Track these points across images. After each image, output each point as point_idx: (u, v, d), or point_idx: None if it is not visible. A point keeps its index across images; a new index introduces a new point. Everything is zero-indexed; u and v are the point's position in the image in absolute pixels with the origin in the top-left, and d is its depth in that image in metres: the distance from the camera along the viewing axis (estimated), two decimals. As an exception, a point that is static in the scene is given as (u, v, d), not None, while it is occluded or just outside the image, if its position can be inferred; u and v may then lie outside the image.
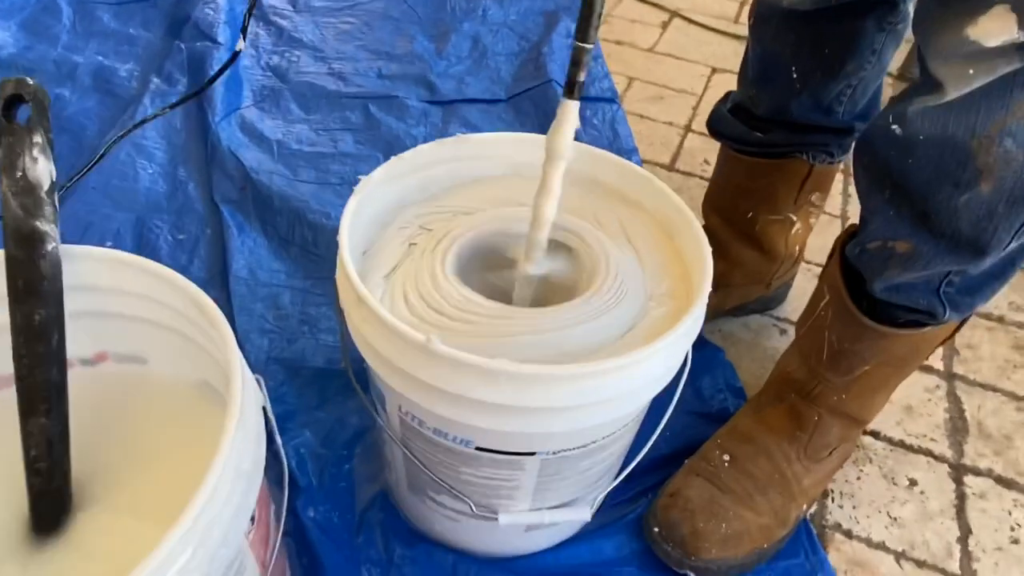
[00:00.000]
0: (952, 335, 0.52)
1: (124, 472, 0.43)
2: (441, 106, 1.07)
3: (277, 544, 0.43)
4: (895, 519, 0.61)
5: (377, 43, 1.20)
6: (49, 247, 0.39)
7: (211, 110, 0.96)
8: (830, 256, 0.54)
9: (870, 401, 0.56)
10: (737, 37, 1.34)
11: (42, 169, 0.38)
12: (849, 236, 0.52)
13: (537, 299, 0.47)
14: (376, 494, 0.58)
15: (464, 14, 1.29)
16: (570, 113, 0.40)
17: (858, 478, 0.64)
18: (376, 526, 0.56)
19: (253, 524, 0.39)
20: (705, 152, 1.03)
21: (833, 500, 0.62)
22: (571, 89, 0.39)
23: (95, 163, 0.85)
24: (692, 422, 0.66)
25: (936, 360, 0.76)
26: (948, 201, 0.43)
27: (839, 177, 1.02)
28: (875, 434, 0.68)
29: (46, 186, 0.38)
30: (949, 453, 0.67)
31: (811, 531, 0.59)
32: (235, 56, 0.80)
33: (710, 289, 0.42)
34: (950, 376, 0.74)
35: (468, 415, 0.40)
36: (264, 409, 0.41)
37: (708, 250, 0.44)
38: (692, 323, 0.41)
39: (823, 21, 0.56)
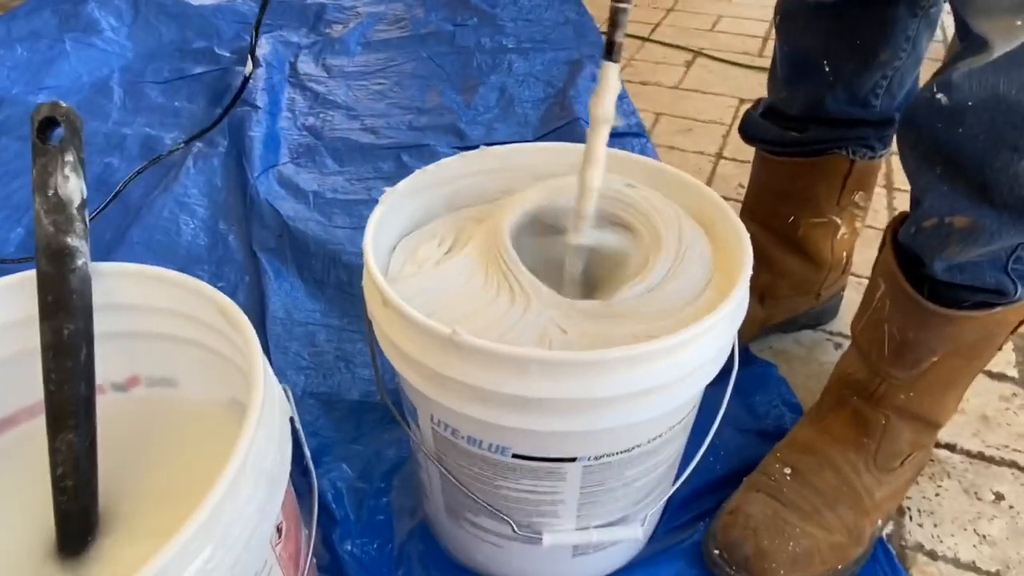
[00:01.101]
0: (1027, 318, 0.47)
1: (153, 497, 0.42)
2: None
3: (307, 566, 0.40)
4: (984, 536, 0.55)
5: (408, 100, 1.24)
6: (79, 262, 0.39)
7: (250, 168, 0.99)
8: (882, 245, 0.51)
9: (941, 399, 0.51)
10: (762, 69, 1.33)
11: (73, 187, 0.39)
12: (900, 221, 0.49)
13: (589, 272, 0.46)
14: (415, 526, 0.55)
15: (490, 69, 1.33)
16: (611, 76, 0.39)
17: (937, 494, 0.58)
18: (415, 559, 0.53)
19: (281, 537, 0.36)
20: (739, 176, 1.02)
21: (911, 518, 0.57)
22: (610, 50, 0.38)
23: (114, 196, 0.85)
24: (748, 441, 0.61)
25: (1010, 367, 0.70)
26: (1007, 168, 0.40)
27: (882, 192, 0.98)
28: (951, 447, 0.62)
29: (77, 203, 0.39)
30: (1037, 464, 0.61)
31: (890, 552, 0.53)
32: (246, 81, 0.83)
33: (751, 272, 0.39)
34: (1028, 383, 0.69)
35: (501, 414, 0.37)
36: (292, 420, 0.40)
37: (746, 234, 0.42)
38: (736, 304, 0.38)
39: (852, 10, 0.54)
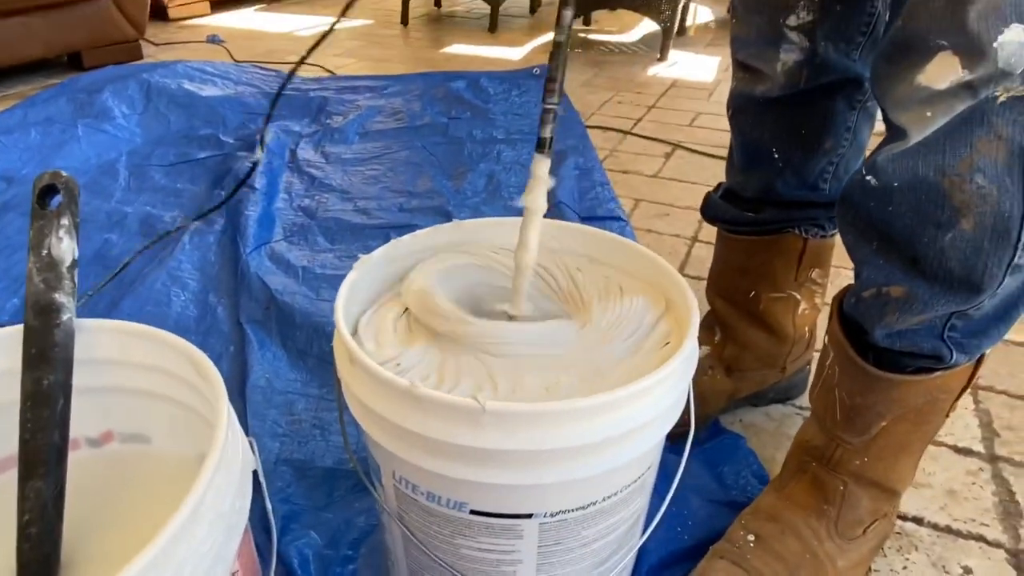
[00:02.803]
0: (968, 384, 0.49)
1: (119, 553, 0.42)
2: (457, 232, 1.12)
3: (264, 623, 0.40)
4: (953, 611, 0.55)
5: (400, 184, 1.29)
6: (64, 317, 0.41)
7: (243, 244, 1.03)
8: (830, 315, 0.54)
9: (895, 464, 0.52)
10: (738, 161, 1.41)
11: (65, 248, 0.42)
12: (846, 292, 0.52)
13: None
14: (380, 594, 0.55)
15: (480, 157, 1.40)
16: (542, 170, 0.43)
17: (904, 568, 0.58)
18: (379, 627, 0.52)
19: (235, 587, 0.37)
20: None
21: (880, 592, 0.56)
22: (541, 145, 0.42)
23: (116, 275, 0.88)
24: (716, 511, 0.62)
25: (976, 442, 0.71)
26: (933, 243, 0.44)
27: (848, 273, 1.02)
28: (918, 520, 0.63)
29: (67, 263, 0.42)
30: (1004, 538, 0.61)
31: (858, 625, 0.53)
32: (254, 167, 0.89)
33: (698, 324, 0.42)
34: (993, 458, 0.69)
35: (456, 467, 0.38)
36: (255, 473, 0.41)
37: (688, 289, 0.45)
38: (687, 356, 0.40)
39: (795, 105, 0.59)
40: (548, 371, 0.42)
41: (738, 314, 0.69)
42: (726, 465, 0.66)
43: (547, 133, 0.42)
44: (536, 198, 0.43)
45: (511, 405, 0.36)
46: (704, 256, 1.07)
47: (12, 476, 0.43)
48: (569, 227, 0.54)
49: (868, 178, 0.46)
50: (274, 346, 0.83)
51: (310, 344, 0.83)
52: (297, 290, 0.93)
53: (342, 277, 0.99)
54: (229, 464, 0.34)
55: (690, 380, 0.42)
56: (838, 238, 0.66)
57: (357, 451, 0.65)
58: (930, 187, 0.42)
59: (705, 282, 0.99)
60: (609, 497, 0.43)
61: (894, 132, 0.45)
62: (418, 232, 0.54)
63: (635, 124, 1.64)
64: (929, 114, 0.41)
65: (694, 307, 0.43)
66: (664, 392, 0.40)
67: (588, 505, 0.42)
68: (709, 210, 0.69)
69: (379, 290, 0.53)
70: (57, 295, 0.41)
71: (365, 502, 0.63)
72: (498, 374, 0.42)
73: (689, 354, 0.41)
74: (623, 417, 0.38)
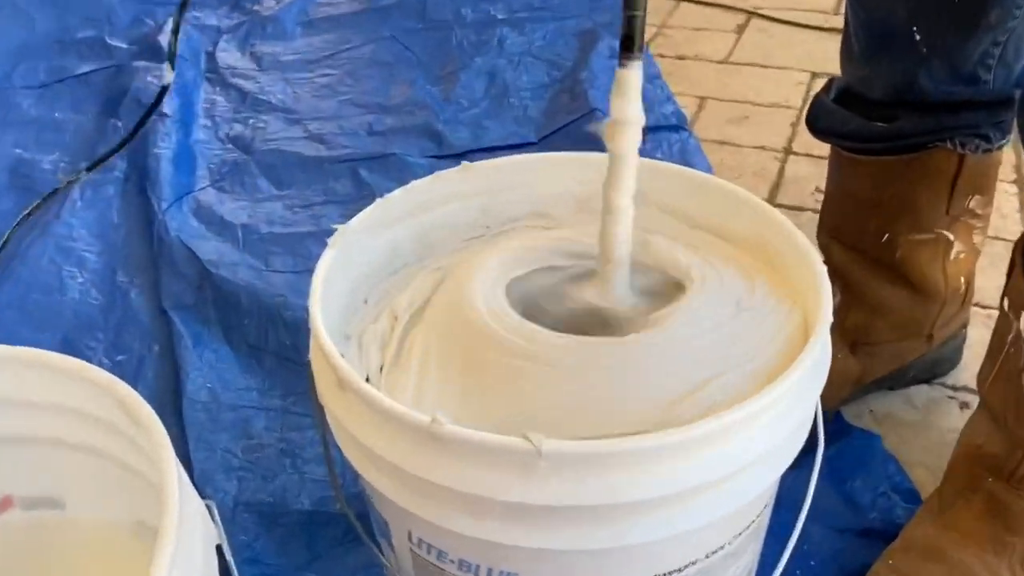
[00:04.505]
0: None
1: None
2: (454, 160, 1.10)
3: None
4: None
5: (366, 95, 1.26)
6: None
7: (156, 197, 1.01)
8: (1010, 269, 0.52)
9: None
10: (839, 31, 1.36)
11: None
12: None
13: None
14: None
15: (474, 48, 1.36)
16: (633, 77, 0.42)
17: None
18: None
19: None
20: (815, 178, 1.03)
21: (1080, 643, 0.56)
22: (629, 46, 0.41)
23: None
24: (847, 544, 0.62)
25: None
26: None
27: (1011, 190, 1.00)
28: None
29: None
30: None
31: None
32: (163, 91, 0.86)
33: (830, 319, 0.40)
34: None
35: (501, 529, 0.37)
36: (219, 548, 0.40)
37: (822, 267, 0.43)
38: (811, 363, 0.39)
39: (947, -40, 0.56)
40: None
41: (866, 267, 0.67)
42: (857, 478, 0.66)
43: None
44: (627, 105, 0.42)
45: (576, 444, 0.35)
46: (803, 175, 1.04)
47: None
48: (645, 164, 0.52)
49: None
50: (215, 342, 0.82)
51: (264, 336, 0.82)
52: (238, 259, 0.92)
53: (298, 236, 0.98)
54: (187, 556, 0.33)
55: (818, 391, 0.40)
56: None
57: (348, 489, 0.64)
58: None
59: (807, 213, 0.98)
60: (714, 553, 0.42)
61: None
62: (412, 185, 0.52)
63: (691, -16, 1.58)
64: None
65: (826, 293, 0.41)
66: (785, 411, 0.38)
67: (686, 566, 0.41)
68: (820, 120, 0.67)
69: (365, 271, 0.51)
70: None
71: (362, 555, 0.63)
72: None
73: (819, 356, 0.39)
74: (731, 452, 0.37)
